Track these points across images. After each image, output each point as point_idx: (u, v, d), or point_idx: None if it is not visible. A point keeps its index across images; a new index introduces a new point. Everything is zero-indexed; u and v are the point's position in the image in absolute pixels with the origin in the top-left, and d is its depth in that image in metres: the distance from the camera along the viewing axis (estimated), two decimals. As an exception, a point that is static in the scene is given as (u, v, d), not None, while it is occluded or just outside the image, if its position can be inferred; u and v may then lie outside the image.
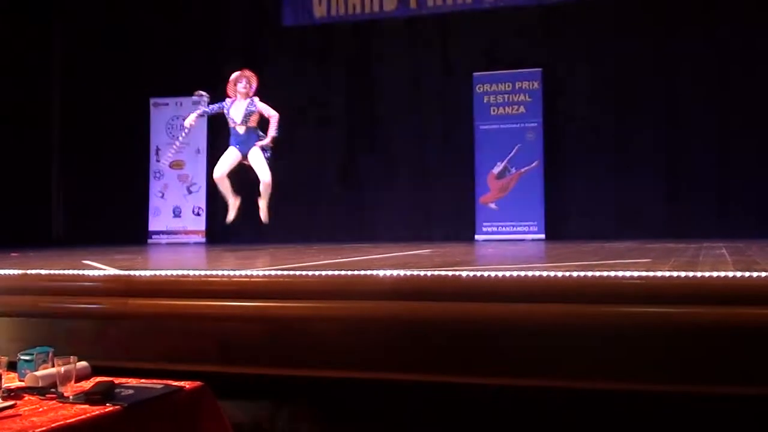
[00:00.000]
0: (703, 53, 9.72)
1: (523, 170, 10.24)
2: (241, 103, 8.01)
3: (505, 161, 10.29)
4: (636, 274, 3.55)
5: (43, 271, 4.68)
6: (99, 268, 4.87)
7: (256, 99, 8.05)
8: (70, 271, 4.62)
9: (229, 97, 8.05)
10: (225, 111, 8.04)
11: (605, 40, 10.19)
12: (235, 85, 8.01)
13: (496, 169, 10.33)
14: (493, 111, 10.46)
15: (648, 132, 9.97)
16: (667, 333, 3.24)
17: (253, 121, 8.01)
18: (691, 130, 9.77)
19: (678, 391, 3.23)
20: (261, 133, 8.04)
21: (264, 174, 7.98)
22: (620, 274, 3.58)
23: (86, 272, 4.58)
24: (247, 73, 8.08)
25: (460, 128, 10.65)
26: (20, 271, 4.67)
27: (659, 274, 3.52)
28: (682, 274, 3.47)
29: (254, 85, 8.08)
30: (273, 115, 8.00)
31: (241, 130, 7.99)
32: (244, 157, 8.03)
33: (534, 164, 10.18)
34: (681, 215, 9.64)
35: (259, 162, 7.97)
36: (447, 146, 10.79)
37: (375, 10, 10.82)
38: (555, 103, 10.36)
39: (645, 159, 9.96)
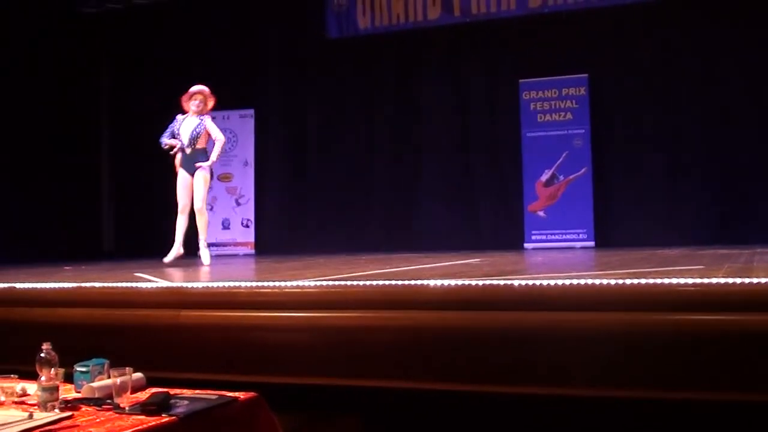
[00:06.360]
0: (752, 56, 9.55)
1: (571, 177, 10.16)
2: (191, 121, 7.57)
3: (553, 168, 10.22)
4: (690, 281, 3.50)
5: (97, 284, 4.75)
6: (151, 281, 4.93)
7: (207, 118, 7.61)
8: (124, 284, 4.68)
9: (184, 112, 7.64)
10: (175, 129, 7.58)
11: (652, 45, 10.08)
12: (189, 101, 7.60)
13: (544, 177, 10.27)
14: (540, 118, 10.40)
15: (696, 137, 9.82)
16: (724, 340, 3.19)
17: (201, 143, 7.56)
18: (740, 135, 9.60)
19: (738, 399, 3.18)
20: (206, 154, 7.60)
21: (197, 200, 7.52)
22: (674, 281, 3.53)
23: (139, 285, 4.64)
24: (206, 92, 7.62)
25: (507, 136, 10.60)
26: (75, 284, 4.75)
27: (714, 280, 3.47)
28: (738, 280, 3.42)
29: (210, 104, 7.66)
30: (220, 139, 7.57)
31: (188, 150, 7.53)
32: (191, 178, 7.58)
33: (582, 171, 10.10)
34: (732, 221, 9.47)
35: (198, 187, 7.51)
36: (494, 154, 10.75)
37: (419, 19, 10.82)
38: (602, 109, 10.26)
39: (694, 164, 9.82)
